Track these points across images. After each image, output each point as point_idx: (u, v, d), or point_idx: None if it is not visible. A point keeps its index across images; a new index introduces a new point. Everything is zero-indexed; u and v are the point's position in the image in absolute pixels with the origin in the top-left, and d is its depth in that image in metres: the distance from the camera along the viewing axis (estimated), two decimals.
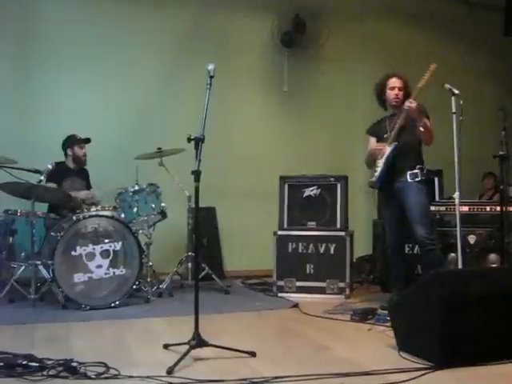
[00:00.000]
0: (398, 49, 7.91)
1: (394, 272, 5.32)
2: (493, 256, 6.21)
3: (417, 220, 4.87)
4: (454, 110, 4.51)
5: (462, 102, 4.54)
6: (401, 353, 3.77)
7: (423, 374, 3.37)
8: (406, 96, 5.00)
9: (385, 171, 5.03)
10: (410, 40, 8.00)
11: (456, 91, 4.56)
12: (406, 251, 6.30)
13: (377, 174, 5.08)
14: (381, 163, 5.04)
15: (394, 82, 5.11)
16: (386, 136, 5.10)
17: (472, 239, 6.34)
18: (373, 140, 5.29)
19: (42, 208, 5.77)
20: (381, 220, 6.71)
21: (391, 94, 5.11)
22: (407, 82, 5.11)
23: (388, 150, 4.99)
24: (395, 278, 5.28)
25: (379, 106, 5.30)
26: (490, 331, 3.59)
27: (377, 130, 5.28)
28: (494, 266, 5.97)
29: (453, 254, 5.40)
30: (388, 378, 3.32)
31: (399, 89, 5.08)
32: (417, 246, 5.82)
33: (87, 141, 6.18)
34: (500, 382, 3.33)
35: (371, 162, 5.22)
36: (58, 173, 5.85)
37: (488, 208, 6.59)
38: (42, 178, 5.29)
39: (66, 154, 6.18)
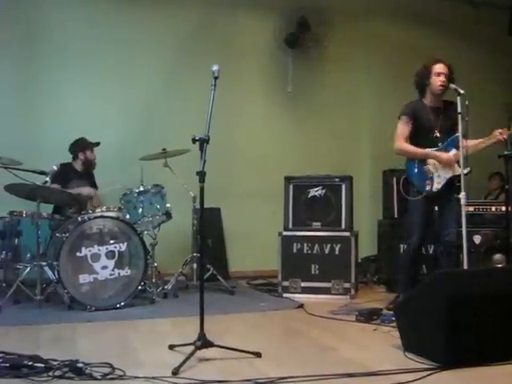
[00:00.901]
0: (402, 49, 7.89)
1: (412, 273, 5.17)
2: (498, 256, 6.20)
3: (453, 223, 4.86)
4: (459, 110, 4.49)
5: (467, 103, 4.53)
6: (406, 353, 3.76)
7: (429, 375, 3.36)
8: (450, 80, 4.85)
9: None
10: (414, 40, 7.98)
11: (461, 91, 4.54)
12: None
13: (440, 184, 4.91)
14: (445, 172, 4.89)
15: (441, 67, 4.89)
16: (437, 136, 4.92)
17: (477, 239, 6.34)
18: (409, 121, 5.00)
19: (47, 209, 5.79)
20: (386, 220, 6.72)
21: (437, 81, 4.87)
22: (452, 69, 4.94)
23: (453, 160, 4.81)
24: (411, 279, 5.12)
25: (417, 92, 5.07)
26: (495, 331, 3.58)
27: (417, 115, 5.00)
28: (500, 266, 5.96)
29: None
30: (393, 378, 3.32)
31: (445, 75, 4.87)
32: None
33: (97, 144, 6.22)
34: (505, 382, 3.32)
35: (412, 157, 5.03)
36: (64, 174, 5.88)
37: (493, 208, 6.60)
38: (47, 179, 5.30)
39: (75, 157, 6.20)
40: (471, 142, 4.78)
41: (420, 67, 5.00)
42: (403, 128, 5.02)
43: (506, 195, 5.08)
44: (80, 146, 6.18)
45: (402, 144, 4.99)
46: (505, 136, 4.59)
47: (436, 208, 5.05)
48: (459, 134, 4.64)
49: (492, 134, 4.69)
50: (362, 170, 7.70)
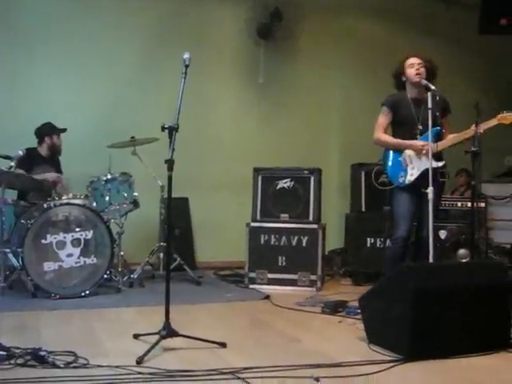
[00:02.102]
0: (373, 44, 7.94)
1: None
2: (463, 251, 6.30)
3: (427, 221, 4.61)
4: (429, 106, 4.51)
5: (438, 98, 4.56)
6: (371, 345, 3.79)
7: (393, 366, 3.39)
8: (430, 72, 4.84)
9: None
10: (385, 36, 8.03)
11: (432, 87, 4.56)
12: (378, 245, 6.40)
13: (413, 176, 4.82)
14: (420, 164, 4.80)
15: (413, 59, 4.88)
16: (419, 128, 4.81)
17: (443, 234, 6.42)
18: (388, 112, 4.95)
19: (11, 195, 5.70)
20: (353, 214, 6.77)
21: (412, 72, 4.85)
22: (430, 61, 4.92)
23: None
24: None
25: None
26: (459, 324, 3.63)
27: (398, 106, 4.95)
28: (464, 260, 6.05)
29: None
30: (358, 369, 3.34)
31: (419, 64, 4.84)
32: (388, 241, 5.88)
33: (64, 130, 6.13)
34: (468, 374, 3.36)
35: (387, 147, 4.98)
36: (29, 159, 5.79)
37: (459, 204, 6.69)
38: (13, 164, 5.21)
39: (40, 142, 6.11)
40: (448, 136, 4.79)
41: (395, 66, 5.00)
42: (382, 119, 5.00)
43: (472, 191, 5.13)
44: (46, 130, 6.08)
45: (379, 135, 4.97)
46: (481, 131, 4.58)
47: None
48: (438, 127, 4.66)
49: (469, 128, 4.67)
50: (330, 162, 7.72)
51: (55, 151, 6.13)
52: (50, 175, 5.94)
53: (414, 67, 4.85)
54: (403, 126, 4.93)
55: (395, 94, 5.06)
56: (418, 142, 4.81)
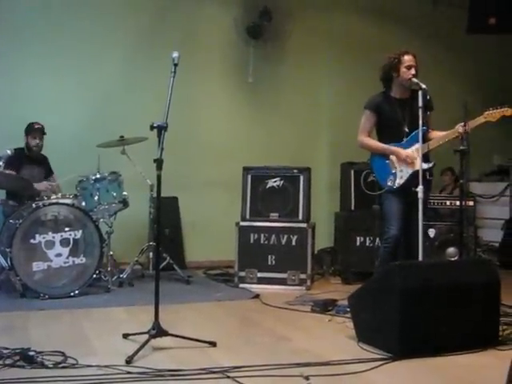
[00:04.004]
0: (362, 43, 7.94)
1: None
2: (452, 249, 6.33)
3: (416, 220, 4.58)
4: (420, 104, 4.51)
5: (428, 97, 4.57)
6: (360, 344, 3.81)
7: (381, 365, 3.42)
8: (416, 69, 4.77)
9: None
10: (374, 35, 8.02)
11: (423, 86, 4.54)
12: (368, 244, 6.42)
13: (403, 179, 4.76)
14: (408, 167, 4.74)
15: (411, 60, 4.77)
16: (405, 131, 4.77)
17: (432, 233, 6.45)
18: (372, 116, 4.88)
19: (0, 195, 5.67)
20: (343, 212, 6.78)
21: (407, 74, 4.73)
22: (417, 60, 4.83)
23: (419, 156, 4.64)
24: None
25: (381, 84, 4.94)
26: (447, 323, 3.65)
27: (382, 109, 4.86)
28: (453, 259, 6.08)
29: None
30: (347, 368, 3.36)
31: (415, 68, 4.75)
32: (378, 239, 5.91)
33: (42, 132, 6.03)
34: (456, 372, 3.38)
35: (373, 152, 4.94)
36: (17, 160, 5.75)
37: (448, 202, 6.72)
38: (1, 163, 5.19)
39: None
40: (435, 135, 4.76)
41: (388, 59, 4.84)
42: (365, 122, 4.92)
43: (461, 190, 5.15)
44: (25, 130, 6.04)
45: (363, 138, 4.90)
46: (468, 130, 4.57)
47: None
48: (424, 127, 4.57)
49: (455, 127, 4.66)
50: (320, 162, 7.73)
51: (31, 151, 6.04)
52: (42, 185, 5.85)
53: (411, 68, 4.73)
54: (388, 127, 4.86)
55: (377, 94, 4.96)
56: (402, 153, 4.74)
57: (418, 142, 4.62)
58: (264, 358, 3.49)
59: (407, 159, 4.71)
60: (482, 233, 7.40)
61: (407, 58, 4.78)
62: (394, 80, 4.86)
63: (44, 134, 6.04)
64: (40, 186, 5.85)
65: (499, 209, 7.53)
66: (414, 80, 4.66)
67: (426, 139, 4.70)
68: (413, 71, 4.73)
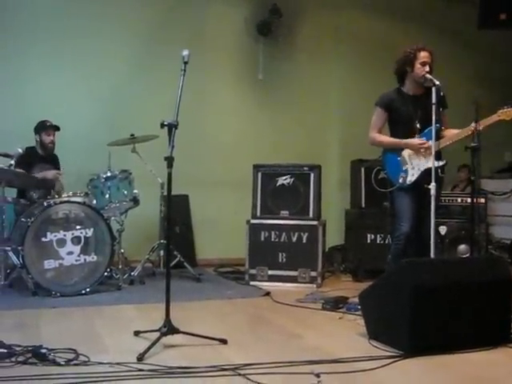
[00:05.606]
0: (372, 39, 7.91)
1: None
2: (463, 247, 6.30)
3: (428, 217, 4.57)
4: (433, 101, 4.48)
5: (442, 94, 4.54)
6: (371, 341, 3.80)
7: (392, 362, 3.40)
8: (431, 66, 4.72)
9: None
10: (384, 31, 7.99)
11: (437, 82, 4.49)
12: (378, 241, 6.40)
13: (414, 177, 4.75)
14: (420, 163, 4.73)
15: (427, 56, 4.72)
16: (417, 127, 4.73)
17: (443, 230, 6.42)
18: (383, 113, 4.87)
19: (11, 193, 5.70)
20: (354, 210, 6.76)
21: (422, 70, 4.66)
22: (433, 56, 4.78)
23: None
24: None
25: (396, 80, 4.90)
26: (458, 320, 3.64)
27: (393, 106, 4.84)
28: (464, 256, 6.05)
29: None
30: (358, 365, 3.35)
31: (429, 65, 4.71)
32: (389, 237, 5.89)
33: (56, 128, 6.09)
34: (467, 369, 3.36)
35: (385, 147, 4.92)
36: (29, 158, 5.78)
37: (459, 199, 6.69)
38: (12, 162, 5.21)
39: (36, 140, 6.11)
40: (449, 133, 4.73)
41: (403, 53, 4.80)
42: (376, 120, 4.90)
43: (472, 187, 5.13)
44: (36, 128, 6.07)
45: (375, 135, 4.88)
46: (480, 128, 4.52)
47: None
48: (438, 124, 4.54)
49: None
50: (330, 159, 7.71)
51: (45, 149, 6.09)
52: (49, 173, 5.93)
53: (425, 65, 4.68)
54: (401, 124, 4.83)
55: (390, 91, 4.93)
56: (415, 140, 4.73)
57: (430, 139, 4.60)
58: (275, 355, 3.48)
59: (422, 145, 4.67)
60: (493, 230, 7.35)
61: (423, 55, 4.72)
62: (407, 75, 4.82)
63: (58, 130, 6.08)
64: (48, 174, 5.90)
65: (511, 206, 7.49)
66: (428, 76, 4.60)
67: (439, 137, 4.67)
68: (427, 68, 4.68)
